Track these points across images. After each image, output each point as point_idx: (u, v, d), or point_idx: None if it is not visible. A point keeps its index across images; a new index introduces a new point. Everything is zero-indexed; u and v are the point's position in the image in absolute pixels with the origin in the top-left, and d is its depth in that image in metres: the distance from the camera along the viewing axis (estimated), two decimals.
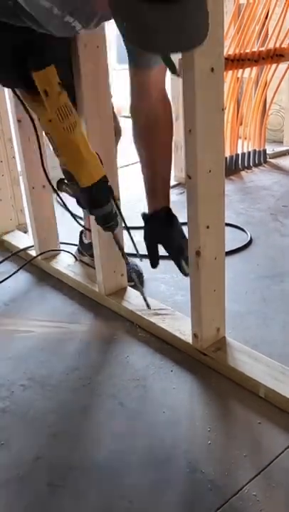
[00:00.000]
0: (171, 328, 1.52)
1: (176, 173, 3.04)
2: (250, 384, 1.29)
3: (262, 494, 1.03)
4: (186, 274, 1.42)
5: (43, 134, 1.41)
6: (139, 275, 1.85)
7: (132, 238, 1.51)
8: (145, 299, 1.58)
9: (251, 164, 3.26)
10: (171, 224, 1.49)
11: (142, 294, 1.58)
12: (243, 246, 2.12)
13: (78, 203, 1.45)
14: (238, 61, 2.76)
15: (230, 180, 3.03)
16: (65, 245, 2.05)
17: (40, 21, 0.99)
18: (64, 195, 1.49)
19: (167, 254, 1.50)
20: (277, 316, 1.63)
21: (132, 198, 2.79)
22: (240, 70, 2.88)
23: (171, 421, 1.23)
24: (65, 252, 2.01)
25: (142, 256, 1.58)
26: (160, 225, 1.49)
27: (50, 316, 1.71)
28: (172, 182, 3.02)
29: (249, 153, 3.24)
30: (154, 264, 1.52)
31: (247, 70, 2.92)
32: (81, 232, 1.98)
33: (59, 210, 1.95)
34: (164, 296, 1.76)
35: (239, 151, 3.19)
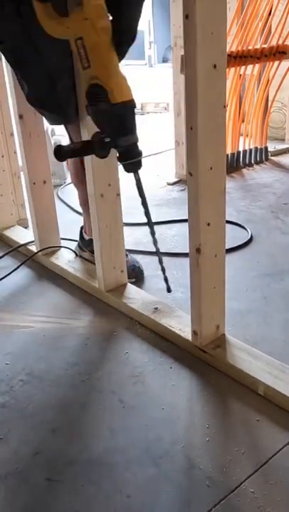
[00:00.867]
0: (170, 325, 1.52)
1: (178, 169, 3.04)
2: (249, 381, 1.30)
3: (260, 491, 1.03)
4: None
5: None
6: (140, 272, 1.84)
7: (155, 243, 1.41)
8: (167, 281, 1.45)
9: (252, 162, 3.26)
10: None
11: (164, 274, 1.43)
12: (243, 243, 2.12)
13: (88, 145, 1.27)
14: (240, 58, 2.75)
15: (231, 177, 3.02)
16: (66, 241, 2.05)
17: None
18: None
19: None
20: (277, 314, 1.63)
21: (131, 194, 2.80)
22: (243, 67, 2.88)
23: (170, 417, 1.24)
24: (65, 247, 2.01)
25: (160, 258, 1.43)
26: None
27: (50, 311, 1.71)
28: (173, 179, 3.03)
29: (251, 150, 3.24)
30: None
31: (249, 67, 2.92)
32: (81, 228, 1.98)
33: (60, 206, 1.95)
34: (164, 293, 1.75)
35: (241, 149, 3.18)
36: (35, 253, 2.01)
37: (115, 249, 1.68)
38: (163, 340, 1.51)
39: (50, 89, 1.46)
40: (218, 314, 1.42)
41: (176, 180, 3.02)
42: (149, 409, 1.26)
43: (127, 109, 1.20)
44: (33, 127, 1.83)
